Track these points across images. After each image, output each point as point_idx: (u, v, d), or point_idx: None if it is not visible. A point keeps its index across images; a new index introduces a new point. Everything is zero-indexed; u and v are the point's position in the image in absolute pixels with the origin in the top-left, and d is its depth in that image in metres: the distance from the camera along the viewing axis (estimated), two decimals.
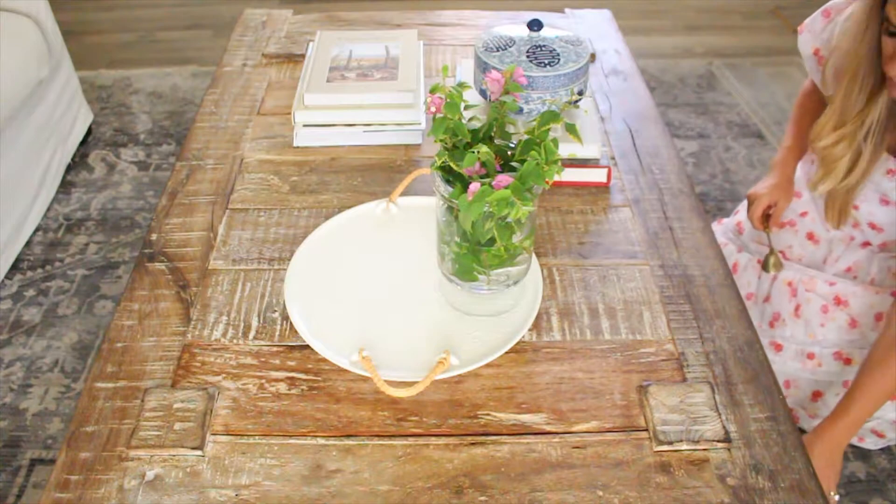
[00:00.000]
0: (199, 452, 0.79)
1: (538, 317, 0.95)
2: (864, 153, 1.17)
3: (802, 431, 1.45)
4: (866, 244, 1.32)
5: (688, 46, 2.91)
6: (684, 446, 0.80)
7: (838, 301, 1.32)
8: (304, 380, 0.87)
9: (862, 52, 1.11)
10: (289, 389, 0.86)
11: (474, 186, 0.78)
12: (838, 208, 1.26)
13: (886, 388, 1.16)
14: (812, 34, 1.28)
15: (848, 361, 1.34)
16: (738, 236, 1.50)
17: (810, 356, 1.36)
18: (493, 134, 0.88)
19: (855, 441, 1.46)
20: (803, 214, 1.40)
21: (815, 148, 1.22)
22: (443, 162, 0.84)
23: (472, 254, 0.87)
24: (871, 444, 1.45)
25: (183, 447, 0.79)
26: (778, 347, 1.38)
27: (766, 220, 1.36)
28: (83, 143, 2.31)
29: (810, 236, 1.39)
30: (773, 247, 1.36)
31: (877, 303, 1.30)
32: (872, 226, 1.26)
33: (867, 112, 1.14)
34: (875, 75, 1.11)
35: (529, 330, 0.93)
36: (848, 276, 1.34)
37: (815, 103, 1.36)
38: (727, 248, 1.48)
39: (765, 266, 1.35)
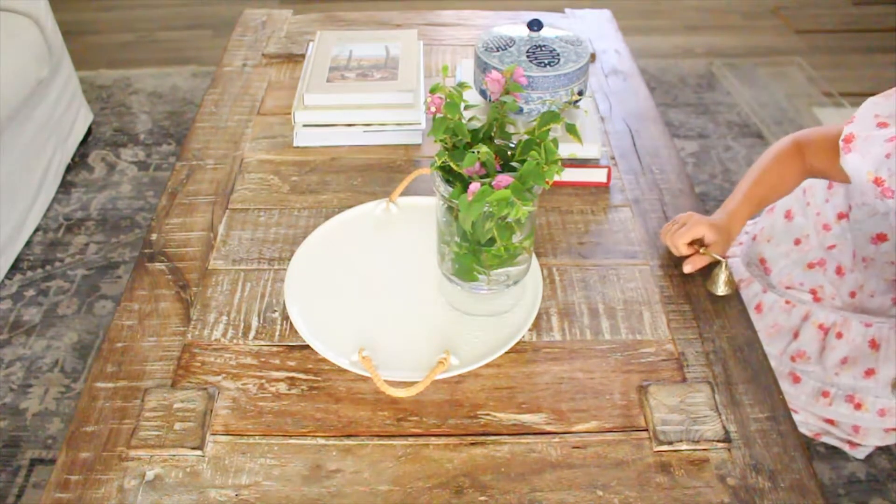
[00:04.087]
0: (199, 452, 0.79)
1: (538, 317, 0.95)
2: None
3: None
4: None
5: (688, 46, 2.91)
6: (684, 446, 0.80)
7: (873, 344, 1.28)
8: (304, 380, 0.87)
9: None
10: (289, 389, 0.86)
11: (474, 186, 0.78)
12: None
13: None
14: (865, 156, 1.02)
15: (858, 406, 1.33)
16: (764, 275, 1.37)
17: (825, 394, 1.35)
18: (493, 134, 0.88)
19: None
20: (831, 248, 1.31)
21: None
22: (443, 162, 0.84)
23: (472, 254, 0.87)
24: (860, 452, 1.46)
25: (183, 447, 0.79)
26: (796, 379, 1.37)
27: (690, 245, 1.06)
28: (83, 143, 2.31)
29: (838, 270, 1.31)
30: (723, 260, 1.01)
31: None
32: None
33: None
34: None
35: (529, 330, 0.93)
36: (893, 313, 1.29)
37: (792, 173, 1.15)
38: (752, 285, 1.36)
39: (711, 285, 1.00)
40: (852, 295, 1.33)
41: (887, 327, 1.28)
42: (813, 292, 1.34)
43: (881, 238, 1.25)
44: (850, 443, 1.44)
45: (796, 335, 1.35)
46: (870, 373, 1.30)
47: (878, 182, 1.01)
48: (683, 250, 1.03)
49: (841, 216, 1.29)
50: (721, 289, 0.99)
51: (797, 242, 1.34)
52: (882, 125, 1.01)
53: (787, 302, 1.34)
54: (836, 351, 1.31)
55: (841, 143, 1.04)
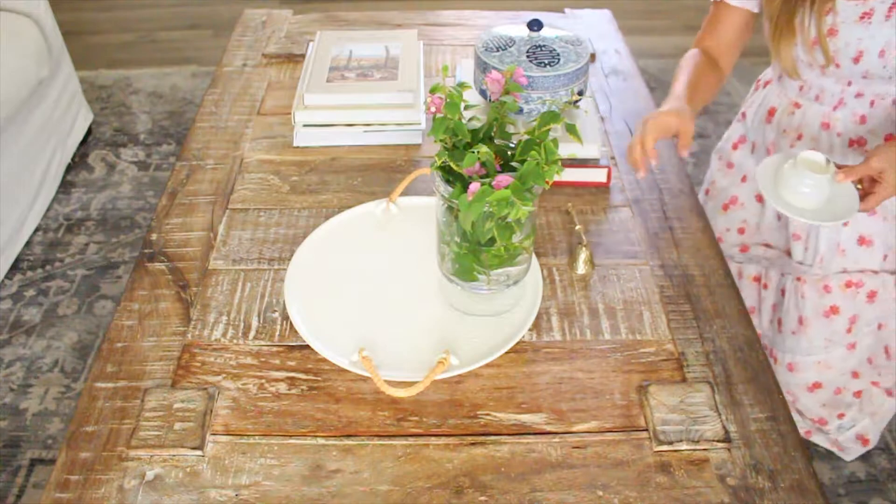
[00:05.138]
0: (199, 452, 0.79)
1: (538, 317, 0.95)
2: None
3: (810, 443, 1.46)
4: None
5: (688, 46, 2.90)
6: (684, 446, 0.80)
7: (782, 293, 1.32)
8: (304, 380, 0.87)
9: None
10: (289, 389, 0.86)
11: (474, 186, 0.78)
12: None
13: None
14: None
15: (775, 360, 1.38)
16: (741, 254, 1.39)
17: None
18: (493, 134, 0.88)
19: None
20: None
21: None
22: (443, 162, 0.84)
23: (472, 254, 0.87)
24: (853, 452, 1.46)
25: (183, 447, 0.79)
26: (791, 367, 1.38)
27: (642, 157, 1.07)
28: (83, 143, 2.31)
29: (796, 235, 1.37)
30: (586, 241, 1.04)
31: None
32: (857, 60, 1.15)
33: None
34: None
35: (529, 330, 0.93)
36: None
37: (708, 69, 1.24)
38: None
39: (572, 263, 1.02)
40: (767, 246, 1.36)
41: (792, 278, 1.31)
42: (743, 249, 1.36)
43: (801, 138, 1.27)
44: (838, 445, 1.45)
45: (775, 307, 1.40)
46: (780, 322, 1.34)
47: None
48: (649, 146, 1.02)
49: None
50: (581, 268, 1.02)
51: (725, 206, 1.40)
52: None
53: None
54: (767, 301, 1.37)
55: None
